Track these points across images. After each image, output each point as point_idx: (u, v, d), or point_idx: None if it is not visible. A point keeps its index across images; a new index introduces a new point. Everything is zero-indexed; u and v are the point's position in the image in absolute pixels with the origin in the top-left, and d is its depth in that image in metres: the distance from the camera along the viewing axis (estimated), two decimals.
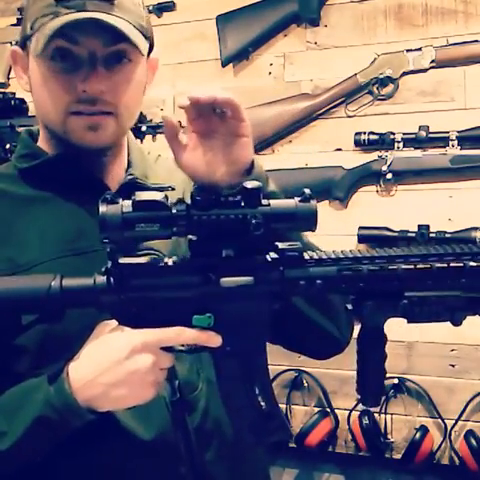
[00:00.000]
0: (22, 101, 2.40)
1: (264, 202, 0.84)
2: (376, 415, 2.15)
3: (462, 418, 2.07)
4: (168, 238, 0.84)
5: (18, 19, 2.54)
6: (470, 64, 2.07)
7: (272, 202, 0.85)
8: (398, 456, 2.13)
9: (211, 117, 0.90)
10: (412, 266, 0.87)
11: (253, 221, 0.83)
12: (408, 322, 0.88)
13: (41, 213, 0.99)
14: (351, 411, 2.17)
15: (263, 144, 2.26)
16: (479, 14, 2.07)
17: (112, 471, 0.95)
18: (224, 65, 2.31)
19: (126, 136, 1.06)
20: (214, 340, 0.86)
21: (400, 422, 2.16)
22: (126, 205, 0.82)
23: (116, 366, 0.85)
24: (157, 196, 0.83)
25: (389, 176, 2.10)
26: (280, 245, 0.88)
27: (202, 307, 0.86)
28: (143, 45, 0.96)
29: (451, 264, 0.87)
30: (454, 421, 2.08)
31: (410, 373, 2.13)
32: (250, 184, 0.84)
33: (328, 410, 2.21)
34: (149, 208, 0.82)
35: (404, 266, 0.87)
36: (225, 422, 0.95)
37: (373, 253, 0.88)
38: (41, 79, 0.96)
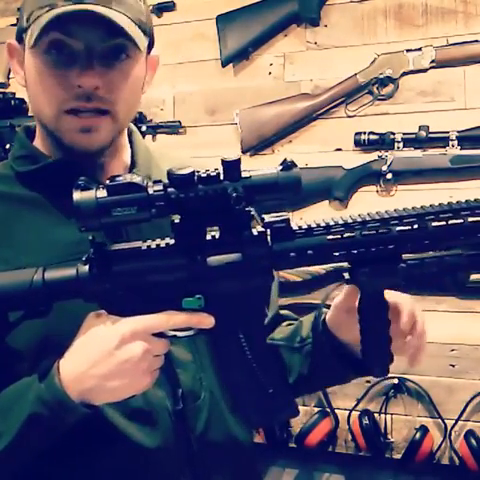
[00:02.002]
0: (22, 101, 2.39)
1: (244, 174, 0.81)
2: (376, 415, 2.14)
3: (462, 418, 2.07)
4: (147, 221, 0.81)
5: (18, 19, 2.54)
6: (470, 64, 2.06)
7: (253, 173, 0.81)
8: (398, 456, 2.13)
9: None
10: (407, 227, 0.83)
11: (233, 195, 0.79)
12: (407, 289, 0.86)
13: (40, 215, 0.97)
14: (351, 411, 2.17)
15: (263, 144, 2.26)
16: (479, 14, 2.07)
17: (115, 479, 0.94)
18: (224, 65, 2.31)
19: (126, 135, 1.05)
20: (206, 321, 0.84)
21: (400, 422, 2.15)
22: (100, 190, 0.79)
23: (107, 357, 0.83)
24: (132, 178, 0.80)
25: (389, 176, 2.09)
26: (266, 217, 0.84)
27: (191, 289, 0.84)
28: (141, 41, 0.93)
29: (449, 221, 0.82)
30: (454, 421, 2.07)
31: (410, 373, 2.12)
32: (229, 157, 0.80)
33: (328, 410, 2.21)
34: (124, 191, 0.79)
35: (399, 228, 0.83)
36: (227, 431, 0.95)
37: (365, 217, 0.85)
38: (36, 73, 0.93)
